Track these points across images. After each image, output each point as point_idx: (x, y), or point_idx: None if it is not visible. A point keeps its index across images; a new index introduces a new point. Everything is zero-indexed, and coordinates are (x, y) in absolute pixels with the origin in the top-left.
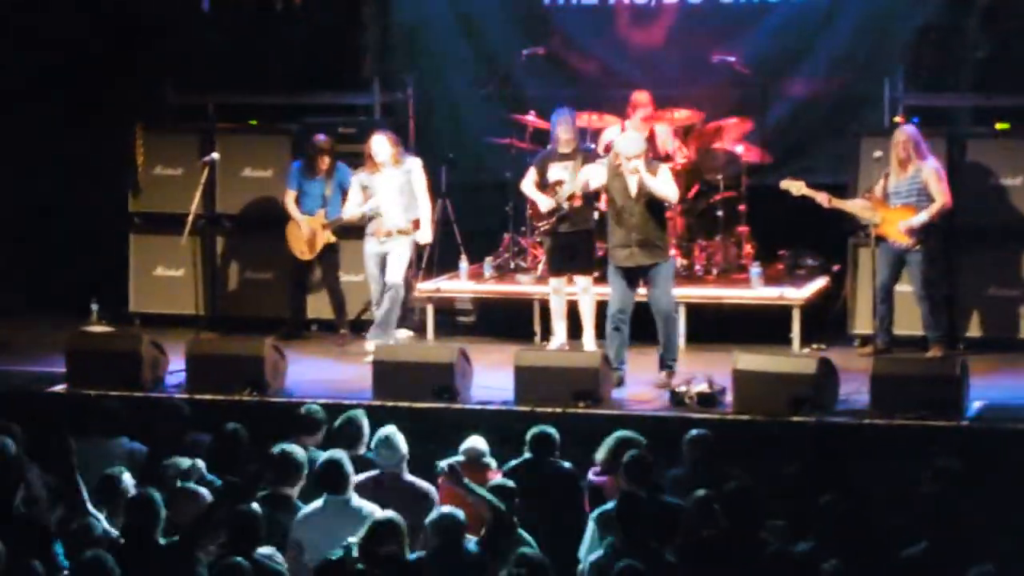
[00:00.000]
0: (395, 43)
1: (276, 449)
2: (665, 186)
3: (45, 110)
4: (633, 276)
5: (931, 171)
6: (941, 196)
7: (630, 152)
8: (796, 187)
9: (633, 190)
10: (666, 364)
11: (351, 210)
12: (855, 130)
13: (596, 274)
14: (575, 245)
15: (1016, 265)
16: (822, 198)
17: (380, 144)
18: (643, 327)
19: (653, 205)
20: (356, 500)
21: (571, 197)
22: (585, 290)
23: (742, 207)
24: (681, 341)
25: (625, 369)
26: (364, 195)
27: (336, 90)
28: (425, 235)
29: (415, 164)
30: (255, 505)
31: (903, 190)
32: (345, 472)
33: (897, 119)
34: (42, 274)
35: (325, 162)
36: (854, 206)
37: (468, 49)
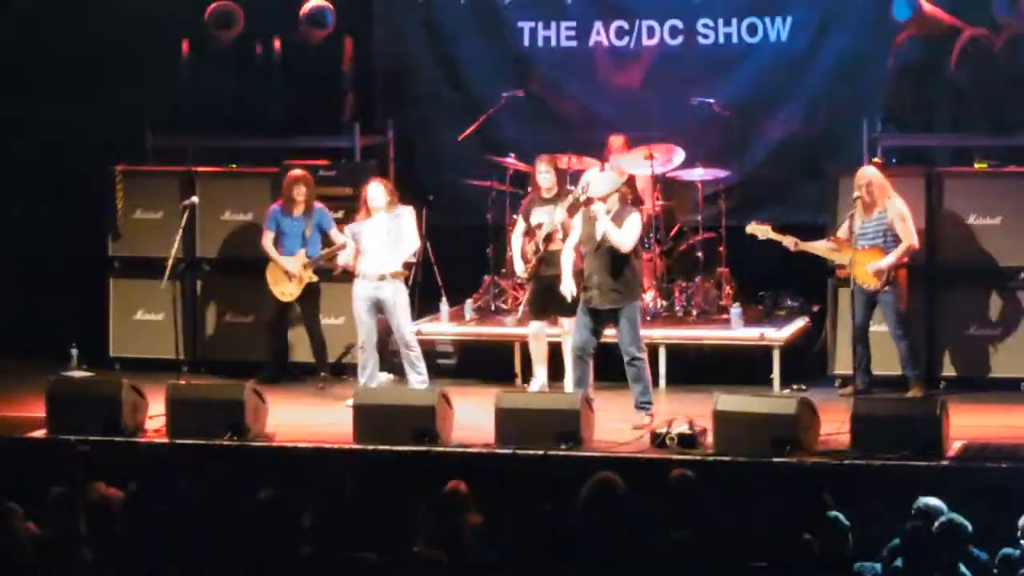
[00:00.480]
0: (376, 86)
1: None
2: (619, 233)
3: (24, 153)
4: (597, 317)
5: (897, 212)
6: (908, 237)
7: (596, 193)
8: (762, 231)
9: (597, 234)
10: (639, 405)
11: (346, 258)
12: (833, 170)
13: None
14: (557, 288)
15: (994, 304)
16: (788, 242)
17: (376, 190)
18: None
19: (614, 250)
20: None
21: (548, 239)
22: (567, 332)
23: (721, 248)
24: (661, 382)
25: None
26: (355, 243)
27: (316, 133)
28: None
29: (407, 211)
30: None
31: (869, 231)
32: None
33: (875, 159)
34: (21, 318)
35: (302, 192)
36: (821, 248)
37: (449, 92)
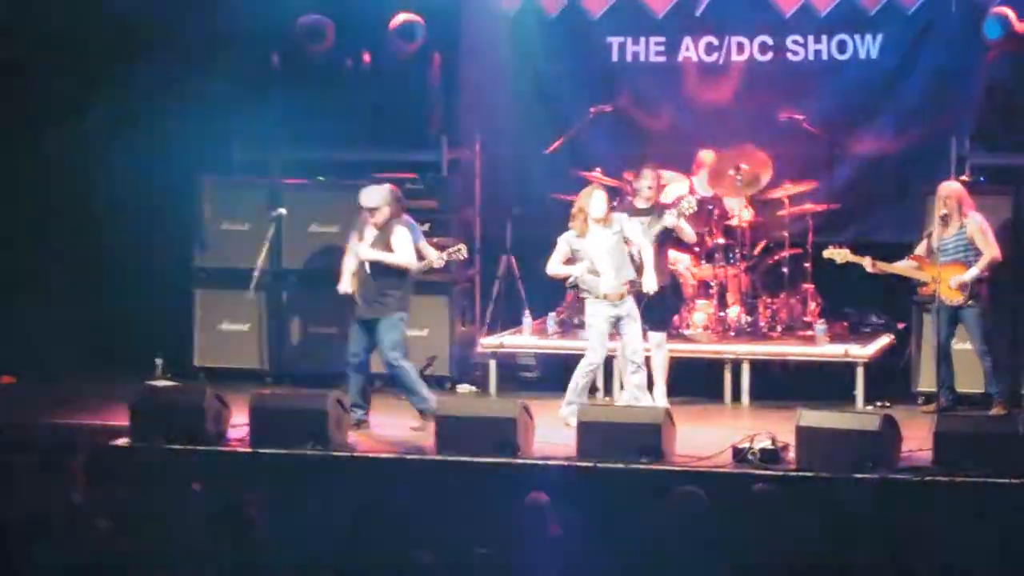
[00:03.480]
0: (463, 99)
1: None
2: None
3: (115, 164)
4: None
5: (976, 225)
6: (990, 249)
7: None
8: (840, 255)
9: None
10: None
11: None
12: (922, 188)
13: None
14: (650, 299)
15: None
16: (866, 263)
17: (600, 200)
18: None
19: None
20: None
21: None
22: (659, 345)
23: (807, 264)
24: (745, 397)
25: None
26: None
27: (404, 147)
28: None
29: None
30: None
31: (950, 247)
32: None
33: (963, 177)
34: (109, 329)
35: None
36: (901, 268)
37: (537, 106)
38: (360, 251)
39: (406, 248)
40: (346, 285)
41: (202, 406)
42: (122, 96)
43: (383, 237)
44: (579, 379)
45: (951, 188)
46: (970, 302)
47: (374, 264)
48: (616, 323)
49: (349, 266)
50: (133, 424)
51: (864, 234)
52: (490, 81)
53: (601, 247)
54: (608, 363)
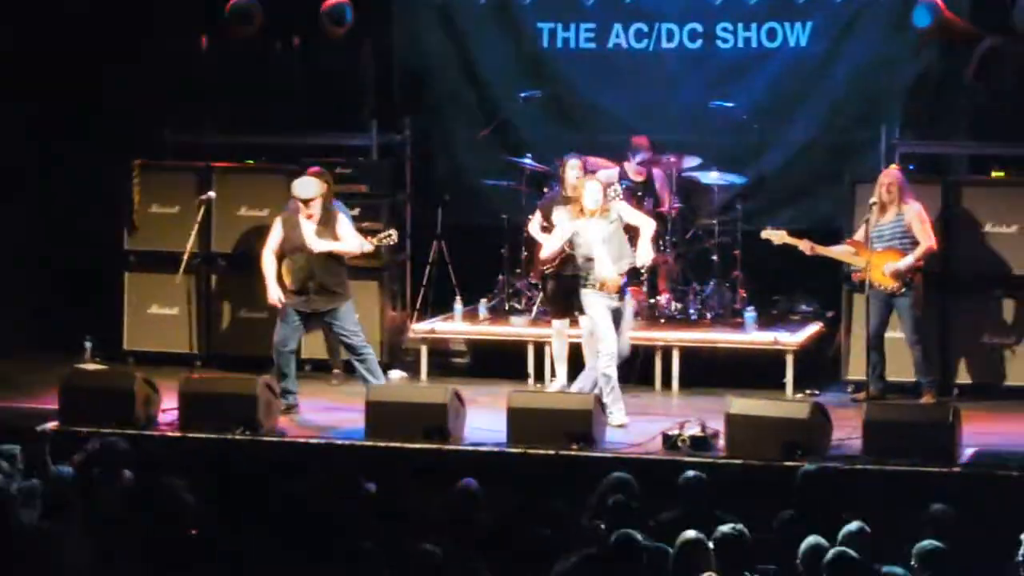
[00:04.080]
0: (394, 85)
1: None
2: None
3: (41, 147)
4: None
5: (915, 214)
6: (926, 238)
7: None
8: (777, 236)
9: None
10: None
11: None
12: (851, 176)
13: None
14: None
15: (1009, 312)
16: (804, 246)
17: (596, 189)
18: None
19: None
20: None
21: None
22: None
23: (737, 252)
24: (675, 384)
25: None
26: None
27: (334, 131)
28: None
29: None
30: None
31: (886, 233)
32: None
33: (893, 166)
34: (37, 311)
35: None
36: (837, 252)
37: (468, 91)
38: (312, 244)
39: (352, 234)
40: (277, 293)
41: (131, 390)
42: (48, 78)
43: (326, 227)
44: (605, 375)
45: (892, 175)
46: (903, 290)
47: (318, 255)
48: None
49: (271, 271)
50: (62, 407)
51: (793, 222)
52: (421, 66)
53: (597, 236)
54: (539, 349)
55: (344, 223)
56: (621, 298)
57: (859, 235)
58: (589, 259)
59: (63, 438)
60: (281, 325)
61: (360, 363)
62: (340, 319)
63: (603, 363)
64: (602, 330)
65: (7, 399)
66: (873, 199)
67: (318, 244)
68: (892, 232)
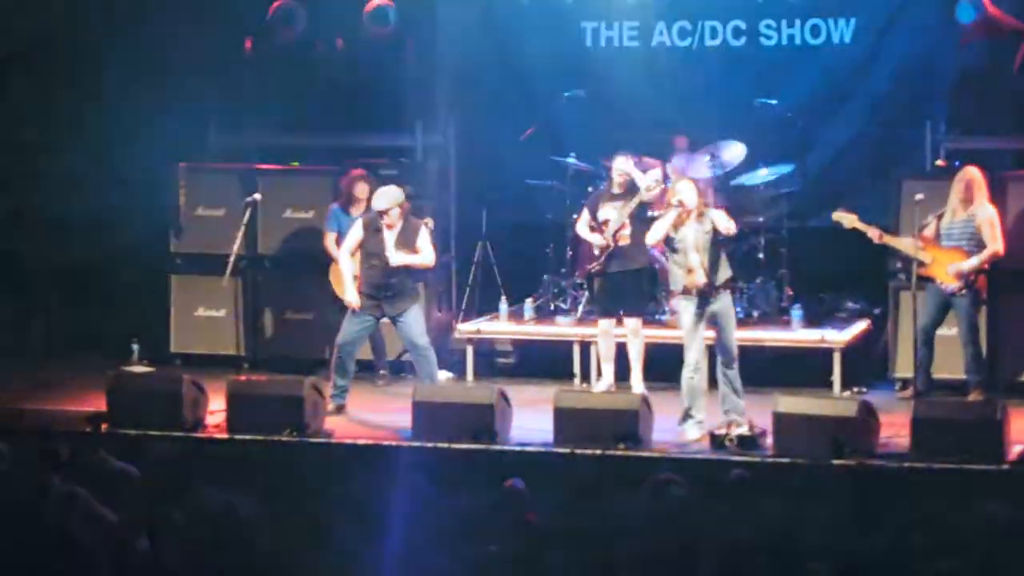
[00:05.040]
0: (438, 85)
1: None
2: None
3: (89, 150)
4: None
5: (987, 216)
6: (994, 243)
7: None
8: (848, 220)
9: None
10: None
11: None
12: (896, 173)
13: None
14: (625, 285)
15: None
16: (873, 233)
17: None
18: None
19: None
20: None
21: (618, 233)
22: (635, 332)
23: (783, 250)
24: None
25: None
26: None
27: (378, 132)
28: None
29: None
30: None
31: (956, 232)
32: None
33: (939, 162)
34: (85, 314)
35: (364, 190)
36: (905, 244)
37: (511, 91)
38: (391, 257)
39: (430, 247)
40: (355, 296)
41: (179, 392)
42: (97, 82)
43: (406, 237)
44: (685, 384)
45: (970, 173)
46: (964, 291)
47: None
48: (711, 319)
49: (350, 272)
50: (110, 410)
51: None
52: (464, 66)
53: (689, 240)
54: (585, 349)
55: (424, 236)
56: (716, 301)
57: (929, 230)
58: (684, 265)
59: (112, 440)
60: (349, 324)
61: (424, 364)
62: (409, 320)
63: (684, 372)
64: (685, 337)
65: (55, 402)
66: (922, 197)
67: (396, 258)
68: (962, 232)
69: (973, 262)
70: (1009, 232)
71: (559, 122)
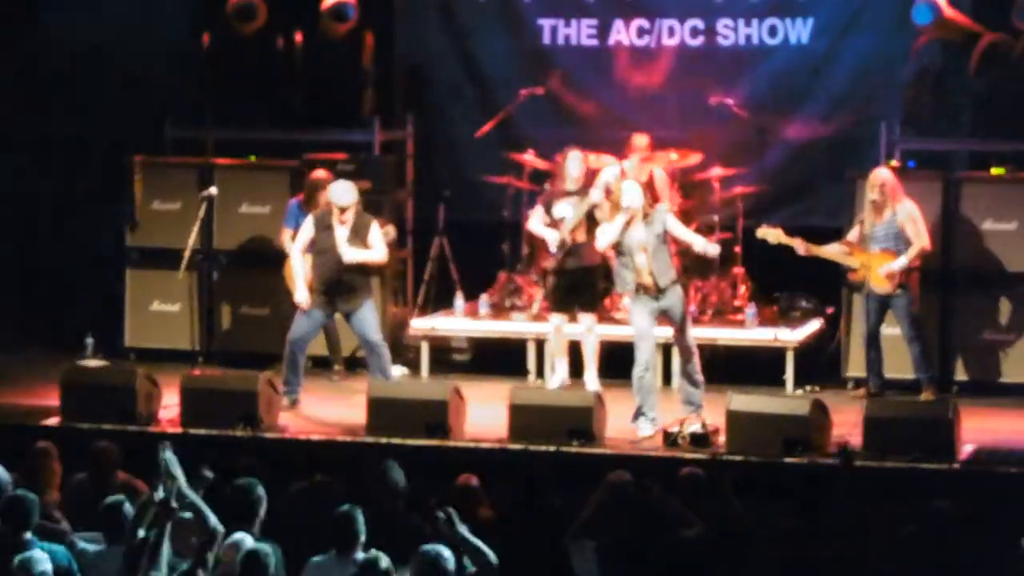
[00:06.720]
0: (396, 81)
1: None
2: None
3: (42, 144)
4: None
5: (908, 214)
6: (920, 239)
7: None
8: (773, 235)
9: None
10: None
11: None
12: (852, 173)
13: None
14: (580, 281)
15: (1008, 310)
16: (798, 245)
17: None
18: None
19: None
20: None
21: (574, 231)
22: (589, 329)
23: (737, 248)
24: (675, 380)
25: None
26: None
27: (336, 127)
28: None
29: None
30: None
31: (880, 235)
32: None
33: (892, 163)
34: (37, 308)
35: (325, 196)
36: (831, 252)
37: (469, 88)
38: (344, 253)
39: (382, 243)
40: (307, 296)
41: (133, 386)
42: (52, 75)
43: (357, 234)
44: (636, 382)
45: (882, 176)
46: (899, 291)
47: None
48: (664, 315)
49: (301, 271)
50: (63, 404)
51: (794, 218)
52: (422, 62)
53: (635, 241)
54: (540, 345)
55: (376, 232)
56: (664, 298)
57: (852, 235)
58: (630, 266)
59: (65, 435)
60: (300, 321)
61: (376, 360)
62: (362, 316)
63: (635, 372)
64: (635, 337)
65: (6, 396)
66: (868, 198)
67: (350, 254)
68: (886, 233)
69: (902, 261)
70: (962, 232)
71: (516, 119)
